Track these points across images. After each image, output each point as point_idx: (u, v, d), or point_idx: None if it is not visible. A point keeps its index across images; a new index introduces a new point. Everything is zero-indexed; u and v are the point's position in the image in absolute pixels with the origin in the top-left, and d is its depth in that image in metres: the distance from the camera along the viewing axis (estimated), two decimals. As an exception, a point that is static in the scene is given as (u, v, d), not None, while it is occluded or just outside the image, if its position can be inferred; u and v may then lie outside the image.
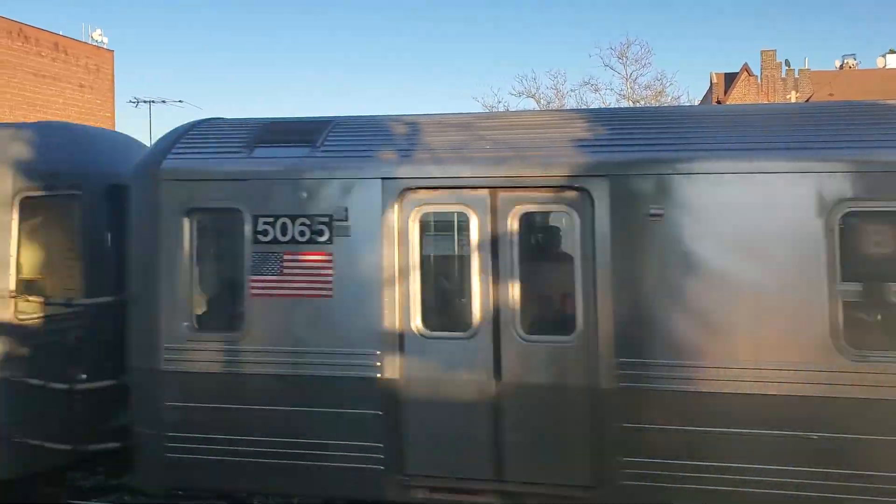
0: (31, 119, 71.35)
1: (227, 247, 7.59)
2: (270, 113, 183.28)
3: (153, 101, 58.23)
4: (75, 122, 76.31)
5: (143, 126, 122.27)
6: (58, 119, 73.68)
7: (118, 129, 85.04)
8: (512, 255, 6.98)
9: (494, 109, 42.98)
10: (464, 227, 7.15)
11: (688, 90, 76.75)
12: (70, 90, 71.42)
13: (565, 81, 50.83)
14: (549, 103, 40.11)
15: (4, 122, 69.36)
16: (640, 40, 73.70)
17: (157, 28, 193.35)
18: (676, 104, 41.41)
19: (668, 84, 39.83)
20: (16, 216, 7.79)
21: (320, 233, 7.15)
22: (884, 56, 62.32)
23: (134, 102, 61.44)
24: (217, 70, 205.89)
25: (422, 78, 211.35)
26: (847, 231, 6.42)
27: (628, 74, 39.07)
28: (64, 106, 70.36)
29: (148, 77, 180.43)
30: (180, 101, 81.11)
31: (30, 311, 7.82)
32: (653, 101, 39.78)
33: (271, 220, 7.23)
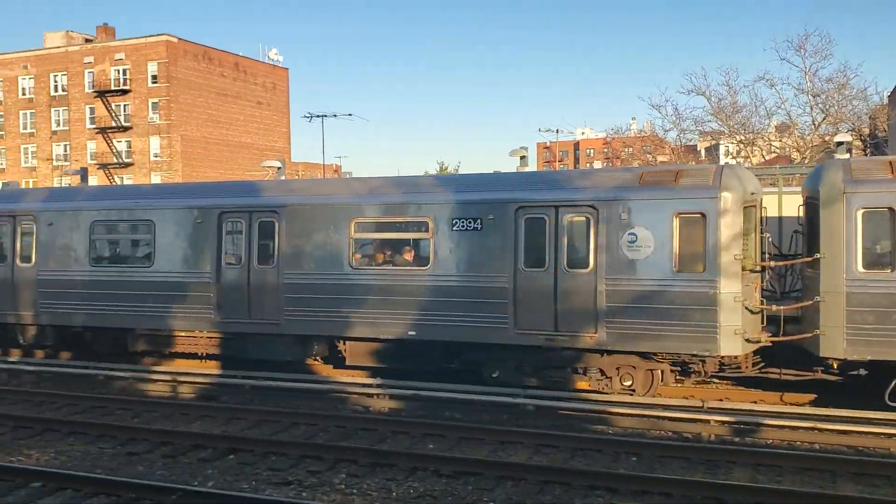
0: (217, 135, 75.81)
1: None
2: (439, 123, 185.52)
3: (325, 116, 61.28)
4: (254, 137, 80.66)
5: (316, 138, 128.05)
6: (240, 133, 77.77)
7: (293, 142, 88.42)
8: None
9: (662, 108, 41.48)
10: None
11: (875, 81, 70.75)
12: (250, 108, 76.09)
13: (738, 77, 48.13)
14: (720, 100, 38.22)
15: (193, 136, 73.73)
16: (820, 31, 69.05)
17: (328, 44, 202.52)
18: (863, 96, 38.30)
19: (852, 76, 36.81)
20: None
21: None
22: None
23: (308, 117, 64.81)
24: (385, 84, 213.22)
25: (587, 77, 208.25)
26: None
27: (807, 67, 36.55)
28: (245, 122, 75.03)
29: (320, 92, 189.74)
30: (350, 115, 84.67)
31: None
32: (835, 95, 37.01)
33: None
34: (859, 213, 12.05)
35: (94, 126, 70.61)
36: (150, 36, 68.99)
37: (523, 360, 13.87)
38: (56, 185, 64.02)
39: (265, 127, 77.18)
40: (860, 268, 12.01)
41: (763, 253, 13.12)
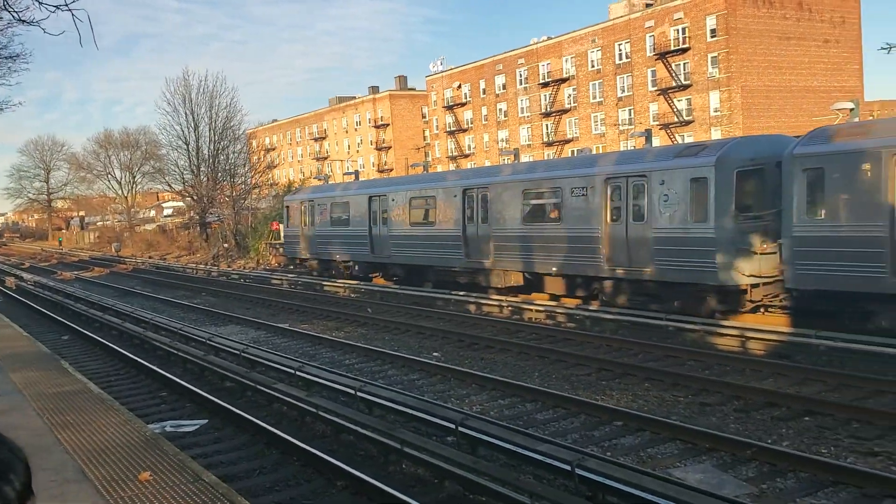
0: (779, 82, 72.45)
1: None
2: None
3: (905, 44, 53.53)
4: (821, 79, 75.17)
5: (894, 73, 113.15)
6: (804, 77, 73.26)
7: (867, 80, 79.46)
8: None
9: None
10: None
11: None
12: (815, 47, 70.71)
13: None
14: None
15: (754, 86, 71.68)
16: None
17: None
18: None
19: None
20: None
21: None
22: None
23: (886, 49, 57.00)
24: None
25: None
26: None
27: None
28: (810, 64, 70.07)
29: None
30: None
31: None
32: None
33: None
34: None
35: (655, 88, 73.56)
36: (708, -10, 68.74)
37: None
38: (622, 148, 68.65)
39: (833, 67, 70.96)
40: None
41: None
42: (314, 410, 10.86)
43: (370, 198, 28.42)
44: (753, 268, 16.06)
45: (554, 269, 20.53)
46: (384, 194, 27.76)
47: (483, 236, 22.80)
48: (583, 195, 19.35)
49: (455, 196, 23.89)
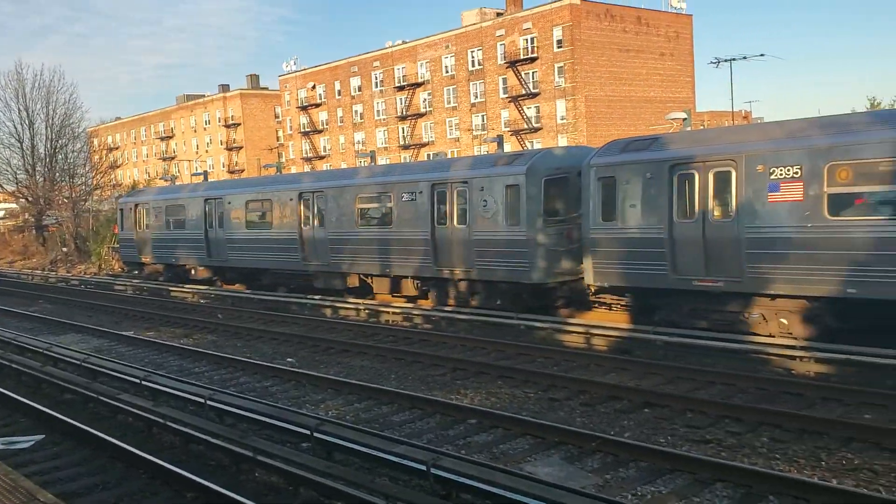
0: (620, 92, 76.10)
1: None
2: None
3: (733, 59, 58.14)
4: (657, 90, 79.48)
5: (724, 85, 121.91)
6: (642, 88, 77.34)
7: (698, 92, 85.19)
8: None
9: None
10: None
11: None
12: (652, 60, 75.03)
13: None
14: None
15: (597, 96, 74.80)
16: None
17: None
18: None
19: None
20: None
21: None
22: None
23: (714, 63, 61.86)
24: (801, 17, 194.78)
25: None
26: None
27: None
28: (647, 76, 74.27)
29: (728, 36, 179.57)
30: (761, 55, 79.01)
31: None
32: None
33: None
34: None
35: (506, 95, 75.68)
36: (556, 2, 71.50)
37: None
38: (476, 153, 70.20)
39: (668, 79, 75.61)
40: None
41: None
42: (161, 421, 10.45)
43: (206, 200, 28.10)
44: (561, 267, 17.49)
45: (387, 270, 21.28)
46: (220, 197, 27.52)
47: (319, 239, 23.16)
48: (412, 200, 20.29)
49: (291, 200, 24.17)
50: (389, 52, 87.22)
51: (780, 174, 13.32)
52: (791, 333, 13.73)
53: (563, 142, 68.50)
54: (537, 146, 69.60)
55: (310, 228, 23.58)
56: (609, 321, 16.61)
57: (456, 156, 64.34)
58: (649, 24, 75.26)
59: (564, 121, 71.65)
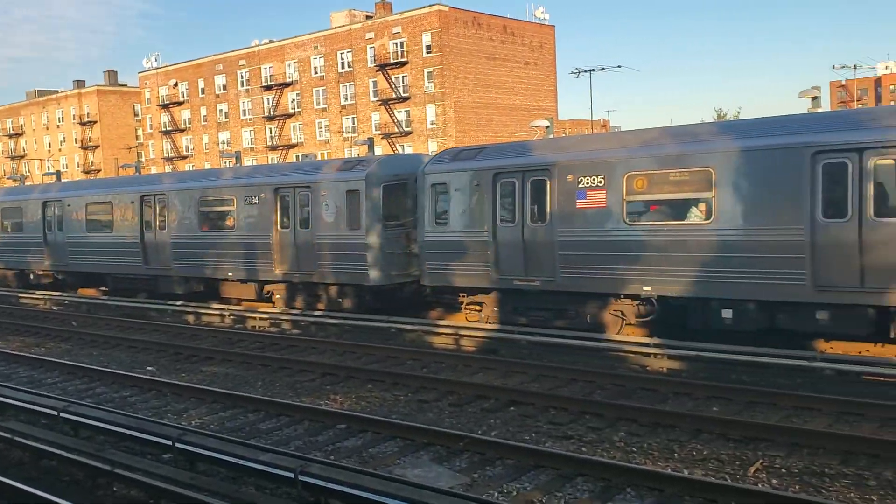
0: (487, 99, 77.64)
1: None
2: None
3: (593, 70, 60.58)
4: (522, 98, 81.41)
5: (585, 94, 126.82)
6: (508, 96, 79.24)
7: (560, 100, 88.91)
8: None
9: None
10: None
11: None
12: (518, 69, 77.06)
13: None
14: None
15: (465, 102, 75.79)
16: None
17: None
18: None
19: None
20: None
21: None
22: None
23: (575, 73, 64.51)
24: (655, 32, 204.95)
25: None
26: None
27: None
28: (513, 84, 76.20)
29: (588, 47, 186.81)
30: (619, 67, 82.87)
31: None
32: None
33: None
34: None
35: (376, 99, 75.70)
36: (424, 7, 72.19)
37: None
38: (347, 155, 69.77)
39: (533, 87, 77.86)
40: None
41: None
42: (9, 436, 9.80)
43: (45, 203, 26.92)
44: (400, 269, 18.10)
45: (231, 274, 21.18)
46: (60, 199, 26.42)
47: (162, 243, 22.70)
48: (255, 203, 20.32)
49: (133, 202, 23.57)
50: (256, 51, 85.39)
51: (587, 183, 14.69)
52: (603, 329, 15.07)
53: (433, 146, 69.22)
54: (408, 150, 70.08)
55: (152, 232, 23.10)
56: (478, 323, 16.95)
57: (326, 157, 63.72)
58: (514, 33, 77.27)
59: (434, 125, 72.43)
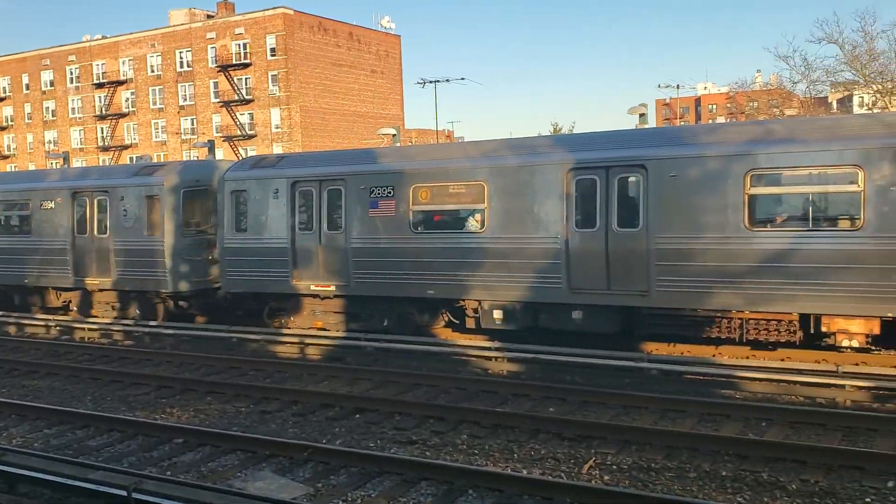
0: (334, 105, 77.19)
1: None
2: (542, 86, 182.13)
3: (438, 81, 61.58)
4: (369, 105, 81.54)
5: (430, 104, 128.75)
6: (355, 103, 79.01)
7: (407, 109, 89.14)
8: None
9: (789, 59, 39.37)
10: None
11: None
12: (364, 76, 77.10)
13: (874, 22, 44.85)
14: (855, 48, 35.78)
15: (311, 107, 75.09)
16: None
17: (440, 8, 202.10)
18: None
19: None
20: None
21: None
22: None
23: (421, 83, 65.44)
24: (497, 46, 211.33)
25: (709, 28, 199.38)
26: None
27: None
28: (359, 91, 76.14)
29: (433, 58, 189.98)
30: (462, 79, 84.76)
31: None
32: None
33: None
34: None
35: (218, 100, 73.42)
36: (268, 9, 70.81)
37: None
38: (185, 158, 67.18)
39: (379, 95, 78.15)
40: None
41: None
42: None
43: None
44: (200, 276, 18.14)
45: (26, 281, 20.39)
46: None
47: None
48: (51, 208, 19.66)
49: None
50: (88, 47, 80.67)
51: (378, 193, 15.50)
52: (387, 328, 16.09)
53: (277, 150, 67.98)
54: (252, 153, 68.39)
55: None
56: (320, 331, 16.81)
57: (163, 159, 61.06)
58: (361, 41, 77.31)
59: (279, 129, 71.15)
